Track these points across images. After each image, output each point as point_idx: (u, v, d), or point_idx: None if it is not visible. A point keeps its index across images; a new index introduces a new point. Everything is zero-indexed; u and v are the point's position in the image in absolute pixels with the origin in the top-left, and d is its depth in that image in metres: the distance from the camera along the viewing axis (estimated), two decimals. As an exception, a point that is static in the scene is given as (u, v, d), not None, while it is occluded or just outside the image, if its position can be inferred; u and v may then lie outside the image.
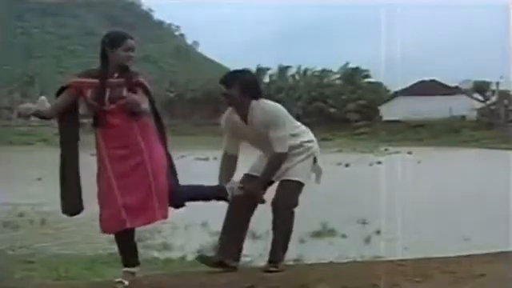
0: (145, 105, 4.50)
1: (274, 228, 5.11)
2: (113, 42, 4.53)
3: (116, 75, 4.52)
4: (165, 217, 4.58)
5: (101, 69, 4.54)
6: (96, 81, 4.50)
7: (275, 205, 5.04)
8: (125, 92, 4.51)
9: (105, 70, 4.52)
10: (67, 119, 4.61)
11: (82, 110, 4.67)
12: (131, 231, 4.60)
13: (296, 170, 5.11)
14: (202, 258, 5.26)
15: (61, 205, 4.57)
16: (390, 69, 71.82)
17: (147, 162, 4.49)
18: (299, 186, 5.14)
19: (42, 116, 4.59)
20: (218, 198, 4.90)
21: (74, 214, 4.63)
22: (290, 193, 5.10)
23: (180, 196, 4.70)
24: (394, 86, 79.01)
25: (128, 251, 4.65)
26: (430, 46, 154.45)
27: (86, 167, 4.78)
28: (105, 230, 4.51)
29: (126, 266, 4.63)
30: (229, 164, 5.25)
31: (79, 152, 4.61)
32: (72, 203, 4.58)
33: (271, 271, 4.95)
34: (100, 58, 4.57)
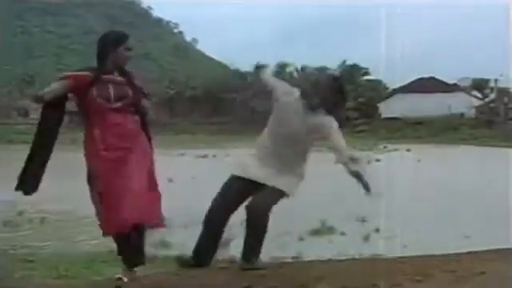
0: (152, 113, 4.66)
1: (249, 228, 5.09)
2: (115, 40, 4.58)
3: (117, 74, 4.57)
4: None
5: (100, 67, 4.56)
6: (94, 75, 4.51)
7: (251, 208, 5.02)
8: (130, 91, 4.58)
9: (104, 68, 4.55)
10: (54, 106, 4.53)
11: (72, 106, 4.66)
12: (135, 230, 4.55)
13: (285, 180, 5.12)
14: (181, 261, 5.30)
15: (19, 180, 4.54)
16: (390, 68, 71.93)
17: (143, 163, 4.54)
18: (282, 195, 5.14)
19: (44, 99, 4.47)
20: None
21: (27, 194, 4.60)
22: (271, 199, 5.08)
23: None
24: (394, 85, 79.20)
25: (129, 251, 4.62)
26: (430, 46, 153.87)
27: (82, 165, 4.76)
28: (108, 231, 4.51)
29: (128, 266, 4.64)
30: None
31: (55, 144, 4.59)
32: (31, 183, 4.55)
33: (247, 269, 4.97)
34: (98, 56, 4.59)
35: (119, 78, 4.58)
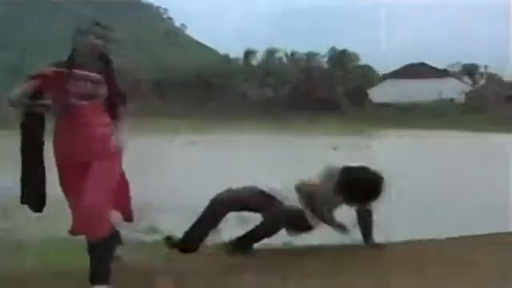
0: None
1: (263, 223, 5.19)
2: (80, 30, 4.42)
3: (92, 70, 4.32)
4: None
5: (70, 60, 4.36)
6: (64, 71, 4.29)
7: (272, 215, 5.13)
8: (104, 90, 4.32)
9: (72, 62, 4.33)
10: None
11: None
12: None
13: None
14: (169, 242, 5.33)
15: (27, 199, 4.50)
16: (388, 66, 71.90)
17: (109, 169, 4.34)
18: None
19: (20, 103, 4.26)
20: None
21: (38, 211, 4.63)
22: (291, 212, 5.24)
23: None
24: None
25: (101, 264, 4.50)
26: (429, 45, 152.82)
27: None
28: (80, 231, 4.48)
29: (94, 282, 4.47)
30: None
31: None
32: (40, 202, 4.55)
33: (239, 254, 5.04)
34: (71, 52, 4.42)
35: (97, 76, 4.31)
